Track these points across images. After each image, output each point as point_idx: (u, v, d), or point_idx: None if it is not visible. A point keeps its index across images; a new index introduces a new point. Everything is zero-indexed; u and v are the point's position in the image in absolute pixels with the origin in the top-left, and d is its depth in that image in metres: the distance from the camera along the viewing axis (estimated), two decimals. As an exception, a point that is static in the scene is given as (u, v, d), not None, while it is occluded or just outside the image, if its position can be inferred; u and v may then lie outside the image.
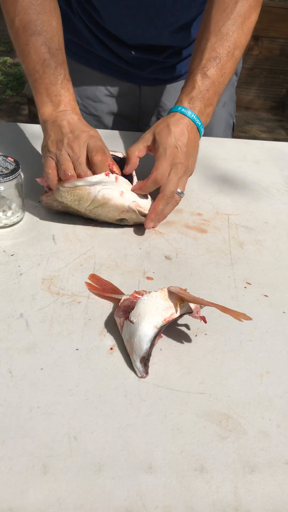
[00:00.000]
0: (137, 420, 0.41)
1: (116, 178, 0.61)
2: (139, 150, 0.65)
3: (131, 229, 0.65)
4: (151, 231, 0.66)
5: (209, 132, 0.93)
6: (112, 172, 0.62)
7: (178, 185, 0.64)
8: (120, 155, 0.68)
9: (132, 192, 0.63)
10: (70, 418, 0.41)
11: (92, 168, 0.59)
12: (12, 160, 0.61)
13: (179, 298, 0.47)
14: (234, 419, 0.42)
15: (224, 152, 0.88)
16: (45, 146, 0.62)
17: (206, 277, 0.59)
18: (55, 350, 0.47)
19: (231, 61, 0.67)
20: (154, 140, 0.65)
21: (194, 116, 0.65)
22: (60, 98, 0.63)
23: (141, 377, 0.45)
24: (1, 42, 4.10)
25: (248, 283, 0.58)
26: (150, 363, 0.46)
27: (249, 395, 0.45)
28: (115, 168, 0.63)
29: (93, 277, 0.56)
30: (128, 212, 0.63)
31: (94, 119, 0.95)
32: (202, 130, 0.67)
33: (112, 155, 0.65)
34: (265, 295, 0.57)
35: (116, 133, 0.89)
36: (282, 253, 0.64)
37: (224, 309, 0.46)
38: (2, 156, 0.61)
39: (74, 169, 0.59)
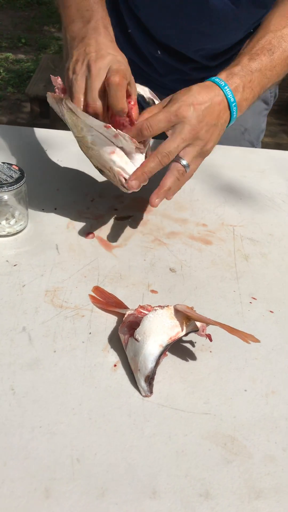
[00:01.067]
0: (141, 442, 0.41)
1: (116, 136, 0.52)
2: (149, 112, 0.55)
3: (135, 239, 0.65)
4: (155, 242, 0.65)
5: None
6: (128, 115, 0.54)
7: (184, 154, 0.54)
8: (157, 101, 0.61)
9: (125, 157, 0.54)
10: (73, 438, 0.40)
11: (107, 92, 0.51)
12: (17, 168, 0.60)
13: (185, 317, 0.46)
14: (239, 442, 0.42)
15: (229, 161, 0.87)
16: (67, 68, 0.55)
17: (211, 291, 0.58)
18: (58, 366, 0.46)
19: (284, 63, 0.60)
20: (170, 100, 0.55)
21: (227, 89, 0.56)
22: (92, 13, 0.57)
23: (145, 396, 0.44)
24: (4, 38, 4.08)
25: (254, 298, 0.58)
26: (154, 382, 0.45)
27: (254, 416, 0.44)
28: (134, 111, 0.55)
29: (97, 289, 0.55)
30: (109, 171, 0.56)
31: None
32: (236, 111, 0.58)
33: (140, 94, 0.57)
34: (270, 311, 0.56)
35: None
36: (288, 267, 0.64)
37: (231, 330, 0.45)
38: (6, 164, 0.60)
39: (85, 93, 0.52)
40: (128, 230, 0.67)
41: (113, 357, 0.48)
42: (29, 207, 0.65)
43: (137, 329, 0.45)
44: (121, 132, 0.52)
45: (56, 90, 0.59)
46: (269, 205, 0.76)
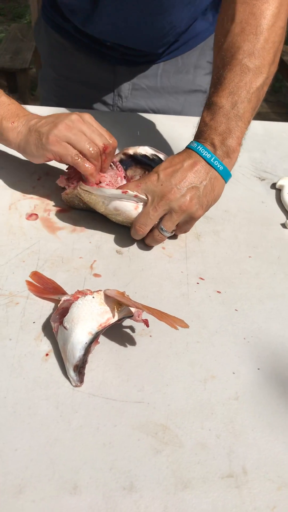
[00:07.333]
0: (66, 434, 0.39)
1: (136, 196, 0.56)
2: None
3: (82, 221, 0.61)
4: (103, 223, 0.61)
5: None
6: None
7: (163, 223, 0.56)
8: (162, 156, 0.62)
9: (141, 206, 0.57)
10: (-7, 434, 0.38)
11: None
12: None
13: (116, 302, 0.44)
14: (171, 430, 0.40)
15: (190, 131, 0.83)
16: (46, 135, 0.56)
17: (158, 272, 0.56)
18: (-15, 358, 0.44)
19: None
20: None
21: (200, 148, 0.56)
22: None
23: (76, 386, 0.42)
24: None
25: (201, 279, 0.55)
26: (87, 370, 0.43)
27: (190, 403, 0.42)
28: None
29: (35, 275, 0.52)
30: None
31: (67, 89, 0.92)
32: (219, 164, 0.57)
33: (142, 155, 0.62)
34: (218, 291, 0.54)
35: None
36: (240, 245, 0.61)
37: (160, 316, 0.43)
38: None
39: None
40: (75, 211, 0.63)
41: (45, 346, 0.46)
42: None
43: (65, 317, 0.43)
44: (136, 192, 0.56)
45: (67, 187, 0.61)
46: (227, 180, 0.73)
